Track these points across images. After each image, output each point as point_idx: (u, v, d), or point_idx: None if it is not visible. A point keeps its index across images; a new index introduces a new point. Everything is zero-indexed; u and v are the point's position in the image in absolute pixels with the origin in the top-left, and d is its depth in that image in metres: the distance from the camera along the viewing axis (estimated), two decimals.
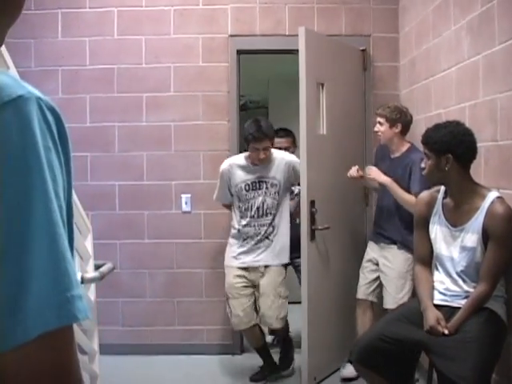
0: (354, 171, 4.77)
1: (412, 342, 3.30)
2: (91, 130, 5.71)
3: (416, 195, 4.40)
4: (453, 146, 3.27)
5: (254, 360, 5.42)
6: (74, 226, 3.34)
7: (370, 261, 4.85)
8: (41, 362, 0.84)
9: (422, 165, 3.44)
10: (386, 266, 4.70)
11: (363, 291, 4.90)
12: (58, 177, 0.90)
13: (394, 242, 4.64)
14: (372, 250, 4.86)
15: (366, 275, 4.87)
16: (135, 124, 5.75)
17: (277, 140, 5.26)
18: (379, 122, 4.70)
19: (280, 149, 5.26)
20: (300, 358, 4.93)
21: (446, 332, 3.16)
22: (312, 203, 4.73)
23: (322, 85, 4.97)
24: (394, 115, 4.65)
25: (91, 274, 3.75)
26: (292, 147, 5.62)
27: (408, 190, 4.45)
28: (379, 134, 4.72)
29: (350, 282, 5.30)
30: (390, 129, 4.65)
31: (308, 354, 4.77)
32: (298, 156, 4.89)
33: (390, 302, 4.52)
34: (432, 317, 3.21)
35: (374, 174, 4.67)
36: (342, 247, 5.42)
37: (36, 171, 0.86)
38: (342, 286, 5.36)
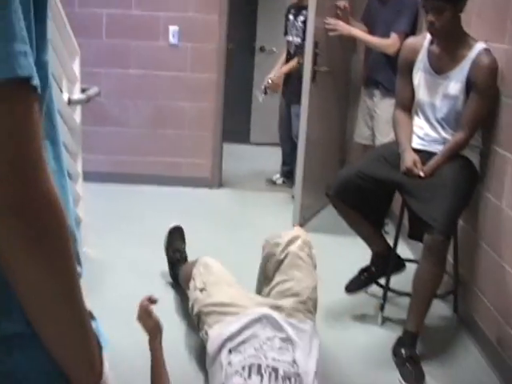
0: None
1: (388, 182, 3.41)
2: None
3: (399, 34, 4.47)
4: None
5: (231, 196, 5.61)
6: (63, 48, 3.29)
7: (367, 108, 4.98)
8: None
9: (430, 18, 3.30)
10: (374, 112, 4.85)
11: (362, 135, 5.09)
12: None
13: (382, 86, 4.74)
14: (365, 96, 4.99)
15: (366, 121, 5.03)
16: None
17: None
18: None
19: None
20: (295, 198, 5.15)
21: (422, 174, 3.26)
22: (316, 44, 4.76)
23: None
24: None
25: (78, 95, 3.79)
26: None
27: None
28: None
29: (347, 126, 5.52)
30: None
31: (302, 195, 4.99)
32: None
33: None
34: (409, 159, 3.30)
35: (341, 28, 4.71)
36: (339, 92, 5.55)
37: None
38: (338, 129, 5.58)
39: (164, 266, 4.05)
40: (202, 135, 5.88)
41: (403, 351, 3.16)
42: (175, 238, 3.94)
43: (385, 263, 3.59)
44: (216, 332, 2.88)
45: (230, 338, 2.80)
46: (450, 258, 3.58)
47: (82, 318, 0.90)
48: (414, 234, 3.49)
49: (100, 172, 5.63)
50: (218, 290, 3.12)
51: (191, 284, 3.24)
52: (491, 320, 3.29)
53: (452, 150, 3.31)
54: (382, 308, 3.60)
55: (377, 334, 3.50)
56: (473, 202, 3.48)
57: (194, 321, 3.13)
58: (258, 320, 2.84)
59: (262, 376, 2.51)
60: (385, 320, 3.61)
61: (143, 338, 3.17)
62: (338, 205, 3.51)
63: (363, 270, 3.68)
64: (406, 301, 3.39)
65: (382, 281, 3.67)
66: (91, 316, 0.97)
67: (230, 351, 2.72)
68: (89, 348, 0.93)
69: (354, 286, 3.63)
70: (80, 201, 4.06)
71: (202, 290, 3.15)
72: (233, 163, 6.58)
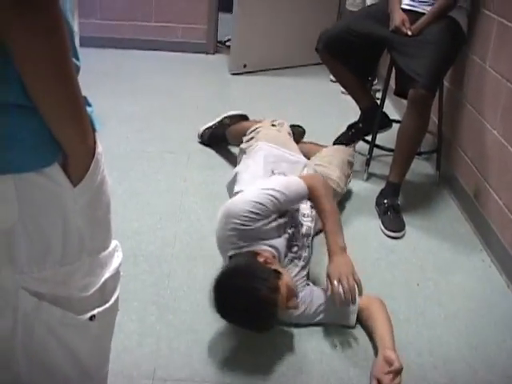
0: None
1: (377, 38, 3.49)
2: None
3: None
4: None
5: (224, 61, 5.70)
6: None
7: None
8: None
9: None
10: None
11: (353, 2, 5.09)
12: None
13: None
14: None
15: None
16: None
17: None
18: None
19: None
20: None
21: (409, 33, 3.35)
22: None
23: None
24: None
25: None
26: None
27: None
28: None
29: None
30: None
31: (239, 38, 5.29)
32: None
33: None
34: (398, 18, 3.37)
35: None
36: None
37: None
38: None
39: (158, 117, 4.33)
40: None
41: (385, 201, 3.36)
42: (238, 117, 3.94)
43: (372, 120, 3.73)
44: (265, 144, 3.12)
45: (273, 157, 3.02)
46: (435, 117, 3.73)
47: (76, 98, 1.01)
48: (400, 92, 3.61)
49: (96, 37, 5.66)
50: (284, 135, 3.36)
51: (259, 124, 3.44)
52: (470, 176, 3.48)
53: (440, 10, 3.38)
54: (367, 164, 3.78)
55: (362, 187, 3.69)
56: (459, 63, 3.60)
57: (248, 137, 3.34)
58: (296, 162, 3.09)
59: None
60: (370, 175, 3.79)
61: (135, 182, 3.39)
62: (327, 59, 3.61)
63: (351, 126, 3.83)
64: (390, 158, 3.54)
65: (369, 138, 3.83)
66: (86, 102, 1.08)
67: (272, 171, 2.91)
68: (82, 125, 1.05)
69: (341, 142, 3.79)
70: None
71: (273, 125, 3.41)
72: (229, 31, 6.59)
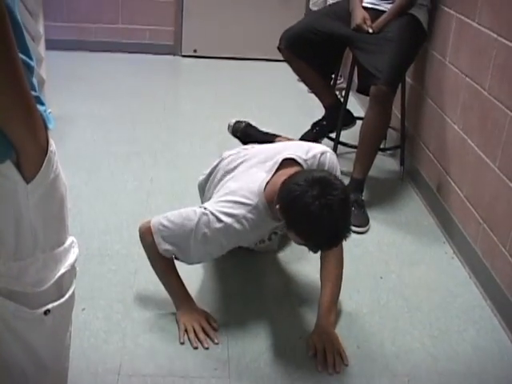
0: None
1: (339, 36, 3.54)
2: None
3: None
4: None
5: (195, 62, 5.71)
6: None
7: None
8: None
9: None
10: None
11: (316, 2, 5.13)
12: None
13: None
14: None
15: None
16: None
17: None
18: None
19: None
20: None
21: (371, 31, 3.41)
22: None
23: None
24: None
25: None
26: None
27: None
28: None
29: None
30: None
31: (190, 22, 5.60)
32: None
33: None
34: (359, 16, 3.42)
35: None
36: None
37: None
38: None
39: (125, 118, 4.39)
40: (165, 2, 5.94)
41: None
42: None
43: (335, 117, 3.77)
44: None
45: None
46: (398, 113, 3.79)
47: (24, 97, 1.02)
48: (363, 89, 3.65)
49: (63, 40, 5.67)
50: None
51: None
52: (432, 170, 3.54)
53: (400, 7, 3.43)
54: None
55: None
56: (420, 59, 3.66)
57: None
58: None
59: None
60: None
61: (102, 182, 3.39)
62: (290, 57, 3.64)
63: (315, 124, 3.87)
64: (355, 155, 3.58)
65: (334, 136, 3.86)
66: (39, 101, 1.10)
67: None
68: (32, 124, 1.06)
69: (306, 139, 3.82)
70: (43, 62, 4.14)
71: None
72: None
